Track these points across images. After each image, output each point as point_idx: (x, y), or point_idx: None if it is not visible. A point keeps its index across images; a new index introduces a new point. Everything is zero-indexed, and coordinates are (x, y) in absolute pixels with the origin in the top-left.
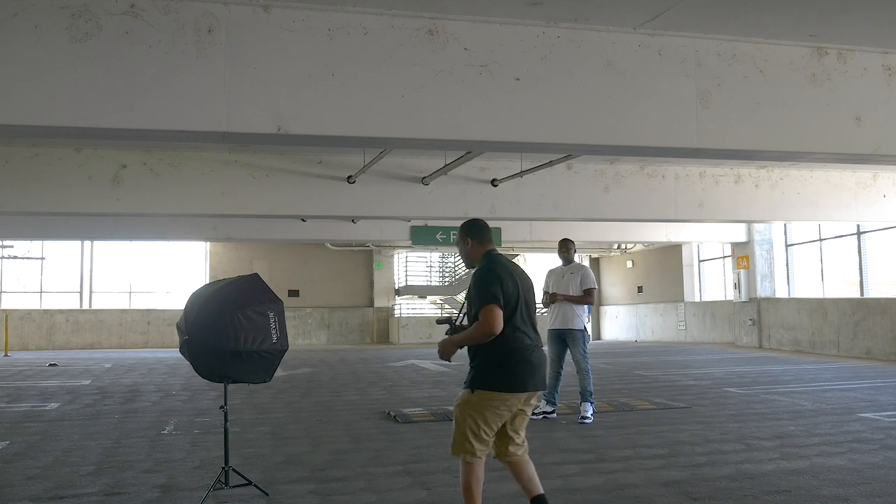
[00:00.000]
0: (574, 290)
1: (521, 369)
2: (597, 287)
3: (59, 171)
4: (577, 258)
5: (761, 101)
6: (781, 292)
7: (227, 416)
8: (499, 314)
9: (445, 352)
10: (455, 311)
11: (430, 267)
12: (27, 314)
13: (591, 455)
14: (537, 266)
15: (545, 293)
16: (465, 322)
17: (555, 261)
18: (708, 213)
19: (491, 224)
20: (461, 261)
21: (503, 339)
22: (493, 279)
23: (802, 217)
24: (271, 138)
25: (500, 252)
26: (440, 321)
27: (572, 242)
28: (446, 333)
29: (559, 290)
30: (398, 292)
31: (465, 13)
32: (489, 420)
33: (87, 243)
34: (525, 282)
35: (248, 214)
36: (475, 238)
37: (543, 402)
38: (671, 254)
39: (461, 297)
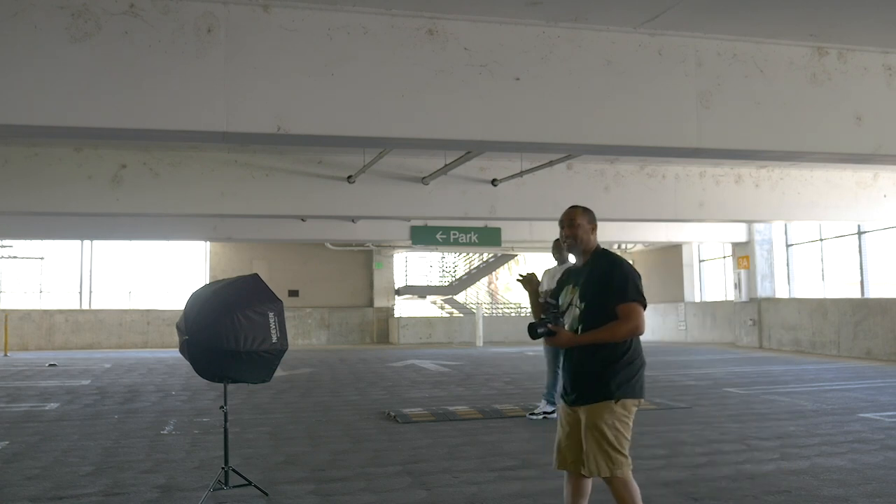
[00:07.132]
0: None
1: (644, 373)
2: None
3: (59, 171)
4: (571, 259)
5: (761, 101)
6: (782, 292)
7: (227, 416)
8: (643, 314)
9: (563, 344)
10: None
11: (431, 267)
12: (27, 314)
13: None
14: (537, 266)
15: (543, 293)
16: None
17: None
18: (708, 213)
19: (491, 224)
20: (560, 251)
21: (636, 340)
22: (637, 275)
23: (803, 217)
24: (271, 138)
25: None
26: (539, 329)
27: None
28: (539, 333)
29: None
30: (398, 292)
31: (465, 13)
32: (629, 430)
33: (87, 243)
34: None
35: (248, 214)
36: (596, 226)
37: (543, 402)
38: (671, 254)
39: (460, 297)
